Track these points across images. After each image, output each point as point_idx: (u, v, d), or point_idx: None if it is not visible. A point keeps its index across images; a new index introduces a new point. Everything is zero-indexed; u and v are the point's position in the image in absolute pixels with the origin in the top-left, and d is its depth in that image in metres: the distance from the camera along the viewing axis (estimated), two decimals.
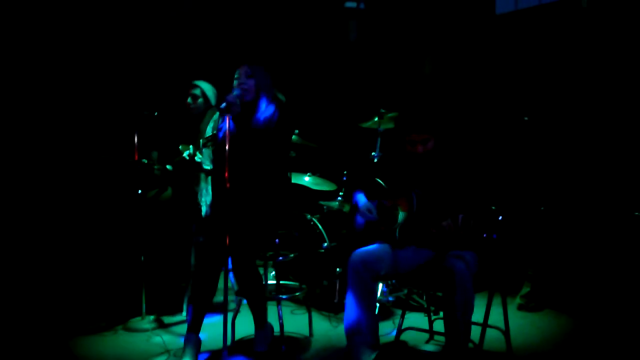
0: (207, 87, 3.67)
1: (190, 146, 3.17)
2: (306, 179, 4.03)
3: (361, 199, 2.78)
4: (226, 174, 2.53)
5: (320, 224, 3.70)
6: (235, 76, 2.82)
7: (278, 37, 5.55)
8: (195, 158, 2.78)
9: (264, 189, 2.79)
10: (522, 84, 4.20)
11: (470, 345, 2.55)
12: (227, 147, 2.54)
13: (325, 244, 3.64)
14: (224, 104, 2.62)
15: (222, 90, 3.15)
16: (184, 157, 2.73)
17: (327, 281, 3.63)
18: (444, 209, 2.56)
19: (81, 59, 3.89)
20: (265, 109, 2.81)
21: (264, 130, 2.74)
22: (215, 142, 2.82)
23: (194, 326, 2.71)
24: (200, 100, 3.64)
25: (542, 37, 4.09)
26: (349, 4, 5.51)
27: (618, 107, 3.67)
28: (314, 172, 4.10)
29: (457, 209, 2.51)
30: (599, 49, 3.71)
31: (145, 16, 4.53)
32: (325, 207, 4.00)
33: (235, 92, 2.72)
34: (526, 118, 3.93)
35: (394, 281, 3.66)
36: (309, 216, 3.79)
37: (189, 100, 3.64)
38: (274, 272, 3.91)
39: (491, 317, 2.63)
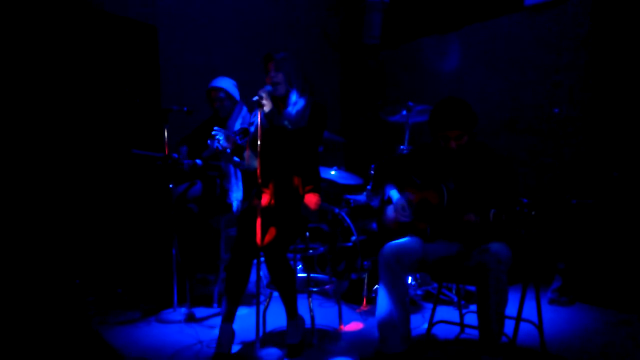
0: (227, 85, 3.66)
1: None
2: (332, 173, 4.04)
3: (394, 194, 2.78)
4: (258, 169, 2.56)
5: (348, 218, 3.71)
6: (266, 70, 2.83)
7: (302, 30, 5.56)
8: (227, 150, 2.80)
9: (296, 183, 2.81)
10: (550, 75, 4.14)
11: (504, 338, 2.53)
12: (259, 142, 2.56)
13: (354, 238, 3.65)
14: (255, 97, 2.64)
15: (252, 85, 3.17)
16: (217, 148, 2.75)
17: (355, 274, 3.64)
18: (475, 203, 2.55)
19: (110, 53, 3.95)
20: (295, 102, 2.83)
21: (296, 125, 2.75)
22: (246, 136, 2.85)
23: (228, 317, 2.75)
24: (226, 102, 3.65)
25: (569, 28, 4.02)
26: None
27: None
28: (340, 166, 4.11)
29: (488, 204, 2.49)
30: (628, 39, 3.63)
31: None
32: (352, 201, 4.01)
33: (267, 88, 2.73)
34: (556, 110, 3.88)
35: (419, 275, 3.66)
36: (336, 210, 3.80)
37: (217, 105, 3.65)
38: (300, 266, 3.93)
39: (523, 311, 2.62)
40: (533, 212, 2.33)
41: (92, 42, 3.85)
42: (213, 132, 2.77)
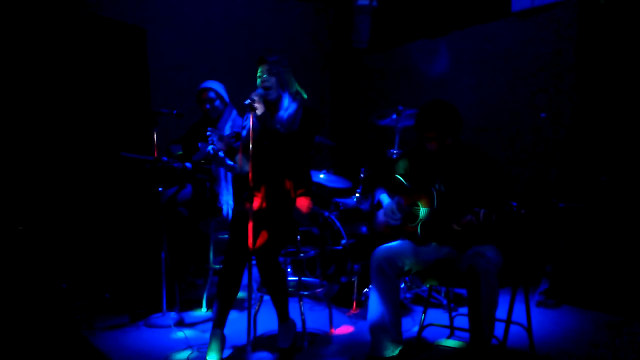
0: (218, 86, 3.66)
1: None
2: (321, 177, 4.05)
3: (384, 199, 2.79)
4: (250, 172, 2.55)
5: (338, 221, 3.71)
6: (258, 74, 2.83)
7: (292, 34, 5.57)
8: (219, 153, 2.80)
9: (288, 187, 2.81)
10: (538, 80, 4.20)
11: (494, 341, 2.55)
12: (251, 146, 2.55)
13: (344, 241, 3.66)
14: (247, 101, 2.64)
15: (242, 89, 3.17)
16: (208, 152, 2.74)
17: (345, 278, 3.65)
18: (464, 204, 2.57)
19: (99, 55, 3.92)
20: (287, 106, 2.83)
21: (288, 129, 2.76)
22: (239, 140, 2.84)
23: (219, 322, 2.73)
24: (217, 102, 3.65)
25: (557, 33, 4.08)
26: (361, 2, 5.50)
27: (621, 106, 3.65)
28: (328, 169, 4.11)
29: (478, 204, 2.52)
30: (615, 45, 3.69)
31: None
32: (341, 204, 4.01)
33: (259, 91, 2.73)
34: (543, 115, 3.94)
35: (408, 278, 3.67)
36: (326, 213, 3.80)
37: (207, 106, 3.64)
38: (290, 269, 3.93)
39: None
40: (522, 211, 2.36)
41: (81, 45, 3.82)
42: (207, 133, 2.75)
